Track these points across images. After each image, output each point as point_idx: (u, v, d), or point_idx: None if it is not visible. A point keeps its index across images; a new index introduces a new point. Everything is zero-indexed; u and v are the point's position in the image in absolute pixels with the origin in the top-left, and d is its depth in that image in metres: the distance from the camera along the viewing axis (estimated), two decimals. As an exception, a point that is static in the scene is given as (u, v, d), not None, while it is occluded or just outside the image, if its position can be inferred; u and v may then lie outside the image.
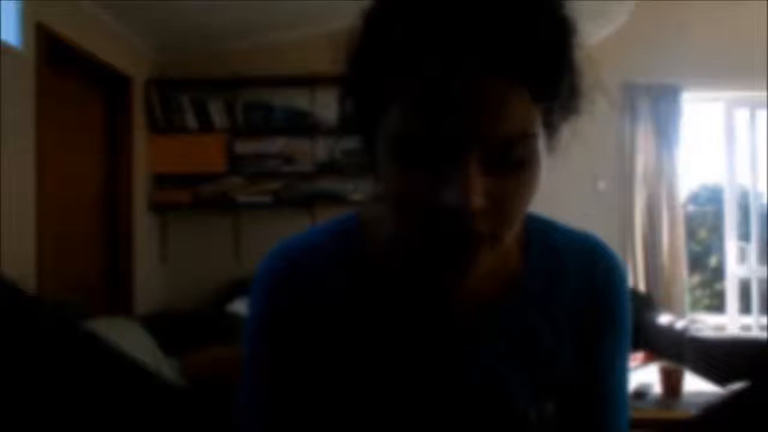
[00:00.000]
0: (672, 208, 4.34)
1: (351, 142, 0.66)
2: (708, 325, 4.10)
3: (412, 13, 0.53)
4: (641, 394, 2.45)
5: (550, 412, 0.68)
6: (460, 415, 0.67)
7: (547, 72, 0.53)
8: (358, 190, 4.14)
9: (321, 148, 4.25)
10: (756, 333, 4.29)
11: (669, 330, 3.64)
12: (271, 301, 0.69)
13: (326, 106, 4.17)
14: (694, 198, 5.44)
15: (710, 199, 5.34)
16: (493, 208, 0.55)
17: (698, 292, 5.38)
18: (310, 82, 4.15)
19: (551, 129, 0.59)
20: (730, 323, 4.45)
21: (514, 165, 0.55)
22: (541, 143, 0.57)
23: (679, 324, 3.68)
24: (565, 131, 0.62)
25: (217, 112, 4.25)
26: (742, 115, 4.56)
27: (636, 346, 2.89)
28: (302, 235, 0.73)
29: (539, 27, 0.52)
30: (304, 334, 0.68)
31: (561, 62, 0.55)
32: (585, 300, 0.70)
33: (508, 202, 0.56)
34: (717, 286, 5.02)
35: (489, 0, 0.52)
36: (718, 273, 4.83)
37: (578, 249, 0.72)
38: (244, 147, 4.24)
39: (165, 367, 2.69)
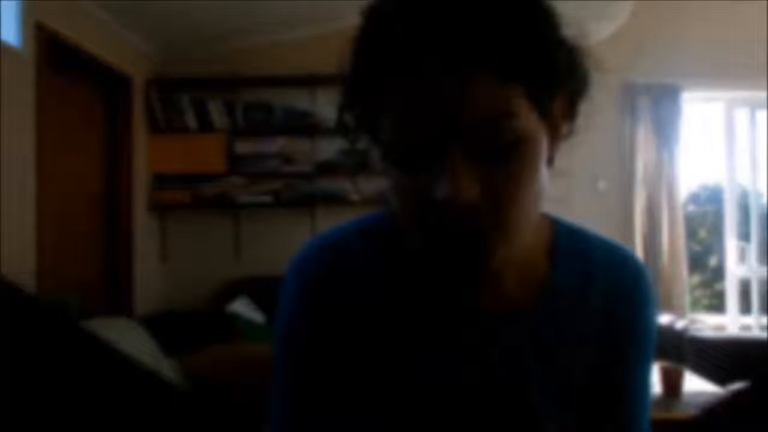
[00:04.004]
0: (672, 208, 4.34)
1: (358, 141, 0.66)
2: (708, 325, 4.10)
3: (374, 21, 0.57)
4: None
5: (570, 416, 0.68)
6: (484, 417, 0.67)
7: (507, 48, 0.53)
8: (358, 190, 4.14)
9: (321, 148, 4.24)
10: (756, 333, 4.29)
11: (669, 330, 3.64)
12: (304, 305, 0.68)
13: (326, 106, 4.17)
14: (694, 198, 5.44)
15: (710, 199, 5.34)
16: (494, 197, 0.55)
17: (698, 292, 5.38)
18: (310, 82, 4.15)
19: (546, 111, 0.58)
20: (730, 323, 4.45)
21: (503, 149, 0.55)
22: (532, 124, 0.56)
23: (679, 324, 3.68)
24: (580, 120, 0.62)
25: (217, 112, 4.25)
26: (742, 115, 4.56)
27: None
28: (332, 233, 0.71)
29: (491, 8, 0.53)
30: (335, 337, 0.67)
31: (522, 37, 0.54)
32: (610, 305, 0.69)
33: (506, 187, 0.56)
34: (717, 286, 5.02)
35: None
36: (718, 273, 4.83)
37: (606, 255, 0.71)
38: (243, 147, 4.24)
39: (165, 367, 2.69)
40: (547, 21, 0.57)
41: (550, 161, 0.62)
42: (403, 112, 0.55)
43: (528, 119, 0.56)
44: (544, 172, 0.59)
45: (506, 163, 0.56)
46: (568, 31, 0.58)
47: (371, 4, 0.58)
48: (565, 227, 0.72)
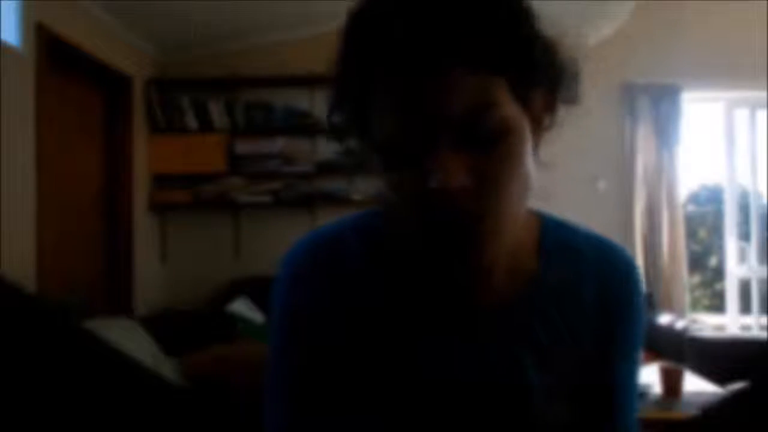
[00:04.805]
0: (672, 208, 4.34)
1: (350, 142, 0.67)
2: (708, 325, 4.10)
3: (358, 23, 0.59)
4: (641, 394, 2.45)
5: (563, 410, 0.69)
6: (480, 411, 0.67)
7: (488, 44, 0.56)
8: (358, 190, 4.14)
9: (321, 148, 4.24)
10: (756, 333, 4.29)
11: (669, 330, 3.64)
12: (297, 301, 0.69)
13: (326, 106, 4.16)
14: (694, 198, 5.44)
15: (710, 199, 5.34)
16: (482, 185, 0.57)
17: (698, 292, 5.38)
18: (310, 82, 4.15)
19: (527, 103, 0.60)
20: (730, 323, 4.45)
21: (489, 139, 0.57)
22: (515, 115, 0.58)
23: (679, 324, 3.68)
24: (562, 113, 0.64)
25: (217, 112, 4.25)
26: (742, 115, 4.56)
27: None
28: (326, 230, 0.72)
29: (471, 5, 0.56)
30: (330, 332, 0.68)
31: (502, 32, 0.56)
32: (600, 298, 0.70)
33: (494, 174, 0.58)
34: (717, 286, 5.02)
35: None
36: (718, 273, 4.83)
37: (594, 248, 0.72)
38: (244, 147, 4.24)
39: (165, 367, 2.69)
40: (526, 16, 0.59)
41: (535, 153, 0.64)
42: (392, 111, 0.57)
43: (511, 110, 0.58)
44: (529, 163, 0.61)
45: (492, 152, 0.58)
46: (544, 26, 0.60)
47: (355, 5, 0.59)
48: (553, 222, 0.73)
